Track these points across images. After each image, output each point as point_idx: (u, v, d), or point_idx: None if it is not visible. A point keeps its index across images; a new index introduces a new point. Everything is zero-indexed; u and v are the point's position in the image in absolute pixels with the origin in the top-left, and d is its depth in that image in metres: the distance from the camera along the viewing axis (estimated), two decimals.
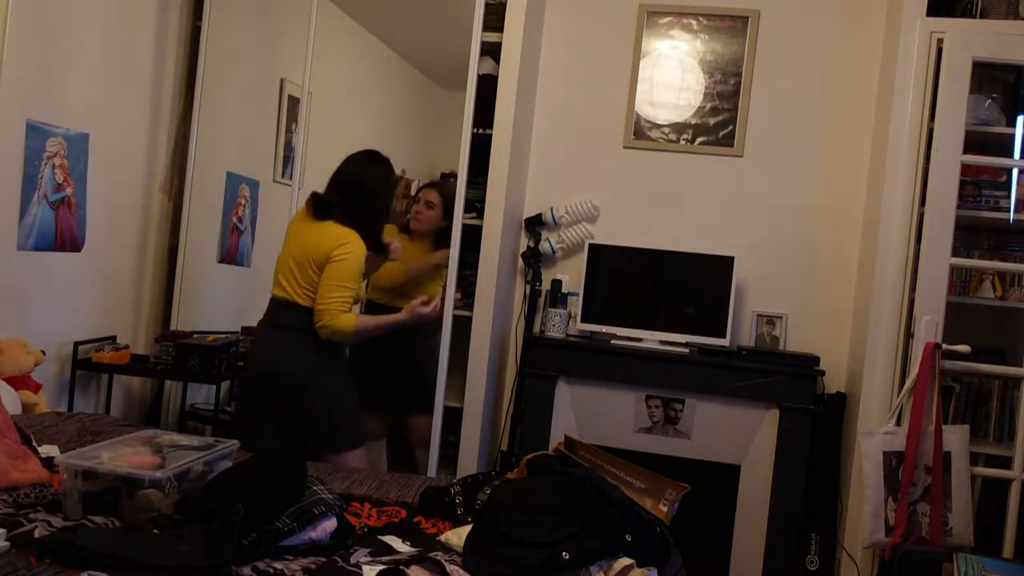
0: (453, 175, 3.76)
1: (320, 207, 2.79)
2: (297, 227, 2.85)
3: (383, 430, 3.48)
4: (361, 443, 2.86)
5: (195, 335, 3.48)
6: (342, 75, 3.88)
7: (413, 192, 4.31)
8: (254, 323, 3.78)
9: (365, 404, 2.95)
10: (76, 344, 3.18)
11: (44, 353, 2.87)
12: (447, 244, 3.34)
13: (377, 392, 3.19)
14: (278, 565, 1.65)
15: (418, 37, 4.18)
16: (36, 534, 1.67)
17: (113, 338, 3.40)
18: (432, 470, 3.35)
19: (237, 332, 3.69)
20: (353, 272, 2.72)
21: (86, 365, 3.21)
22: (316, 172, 3.67)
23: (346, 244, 2.71)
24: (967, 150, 2.93)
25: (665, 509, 2.06)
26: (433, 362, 3.33)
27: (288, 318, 2.75)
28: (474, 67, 3.35)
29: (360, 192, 2.81)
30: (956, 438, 2.87)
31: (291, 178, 3.66)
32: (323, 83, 3.62)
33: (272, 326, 2.81)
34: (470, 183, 3.40)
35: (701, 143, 3.61)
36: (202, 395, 3.77)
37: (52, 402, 3.11)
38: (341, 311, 2.68)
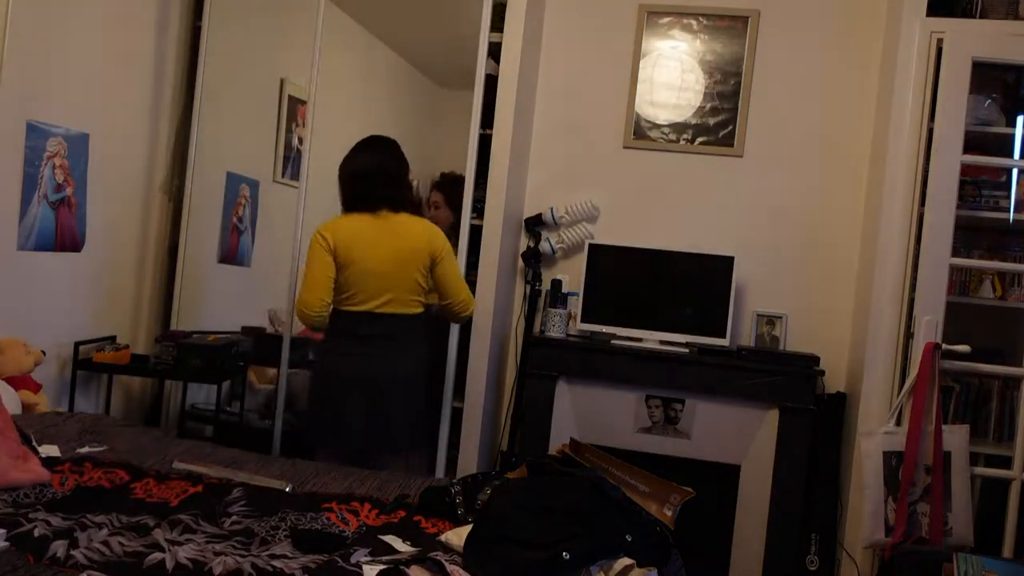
0: (453, 175, 3.76)
1: (392, 203, 2.71)
2: (367, 234, 2.68)
3: None
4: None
5: (195, 335, 3.49)
6: (342, 75, 3.88)
7: (413, 192, 4.31)
8: (254, 323, 3.80)
9: None
10: (77, 344, 3.18)
11: (44, 353, 2.87)
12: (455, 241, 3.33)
13: None
14: (278, 564, 1.65)
15: (418, 37, 4.19)
16: (36, 534, 1.68)
17: (113, 338, 3.40)
18: (440, 470, 3.36)
19: (237, 332, 3.69)
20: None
21: (87, 365, 3.21)
22: (316, 172, 3.67)
23: (439, 235, 2.74)
24: (967, 150, 2.93)
25: (669, 513, 2.06)
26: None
27: (398, 329, 2.72)
28: (482, 67, 3.36)
29: (402, 179, 2.79)
30: (956, 438, 2.87)
31: (292, 178, 3.66)
32: (324, 83, 3.62)
33: (379, 338, 2.71)
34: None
35: (701, 143, 3.61)
36: (201, 395, 3.77)
37: (53, 402, 3.11)
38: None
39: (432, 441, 2.84)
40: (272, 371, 3.69)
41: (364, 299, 2.68)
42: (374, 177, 2.73)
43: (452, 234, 3.40)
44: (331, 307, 2.71)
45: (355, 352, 2.70)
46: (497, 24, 3.43)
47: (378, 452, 2.73)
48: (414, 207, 2.79)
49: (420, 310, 2.76)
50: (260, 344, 3.57)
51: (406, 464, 2.75)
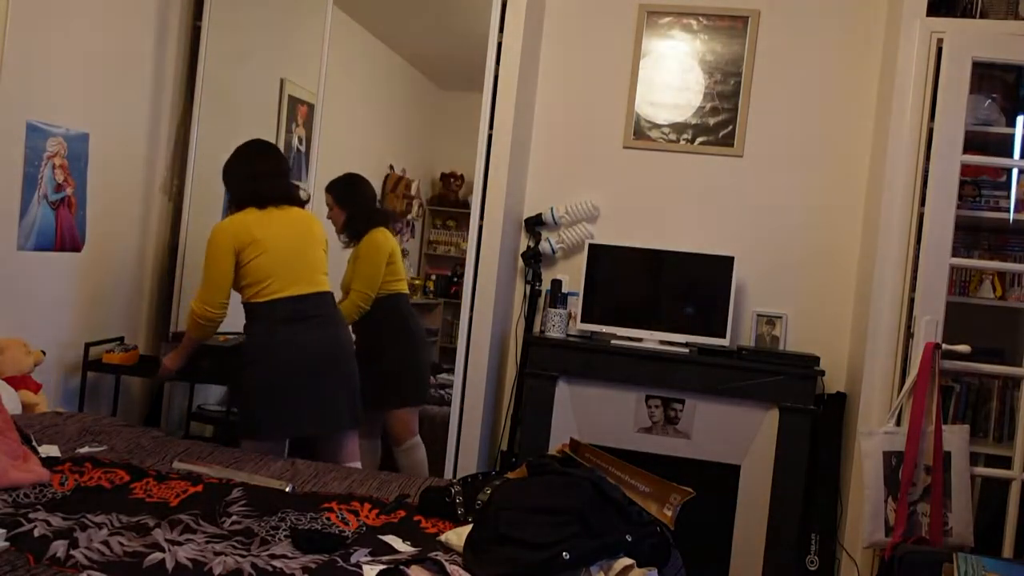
0: (452, 175, 3.77)
1: (286, 196, 2.84)
2: (272, 224, 2.76)
3: (376, 430, 3.49)
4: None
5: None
6: (342, 75, 3.88)
7: (414, 191, 4.32)
8: None
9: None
10: (87, 345, 3.19)
11: (44, 353, 2.87)
12: (359, 234, 3.37)
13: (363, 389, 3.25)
14: (278, 564, 1.65)
15: (419, 39, 4.19)
16: (36, 534, 1.68)
17: (121, 339, 3.40)
18: (449, 471, 3.36)
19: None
20: None
21: (95, 366, 3.21)
22: (315, 172, 3.68)
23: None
24: (967, 150, 2.93)
25: (670, 513, 2.05)
26: (409, 354, 3.42)
27: (323, 306, 2.81)
28: (491, 68, 3.37)
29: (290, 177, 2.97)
30: (956, 438, 2.87)
31: (298, 179, 3.67)
32: (326, 84, 3.63)
33: (312, 317, 2.78)
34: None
35: (701, 143, 3.61)
36: (201, 396, 3.77)
37: (58, 404, 3.11)
38: None
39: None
40: None
41: (284, 285, 2.72)
42: (281, 175, 2.87)
43: (347, 234, 3.42)
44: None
45: (291, 335, 2.72)
46: (500, 25, 3.44)
47: (341, 427, 2.83)
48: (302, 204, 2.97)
49: (329, 288, 2.87)
50: None
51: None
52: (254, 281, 2.70)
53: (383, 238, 3.36)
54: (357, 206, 3.42)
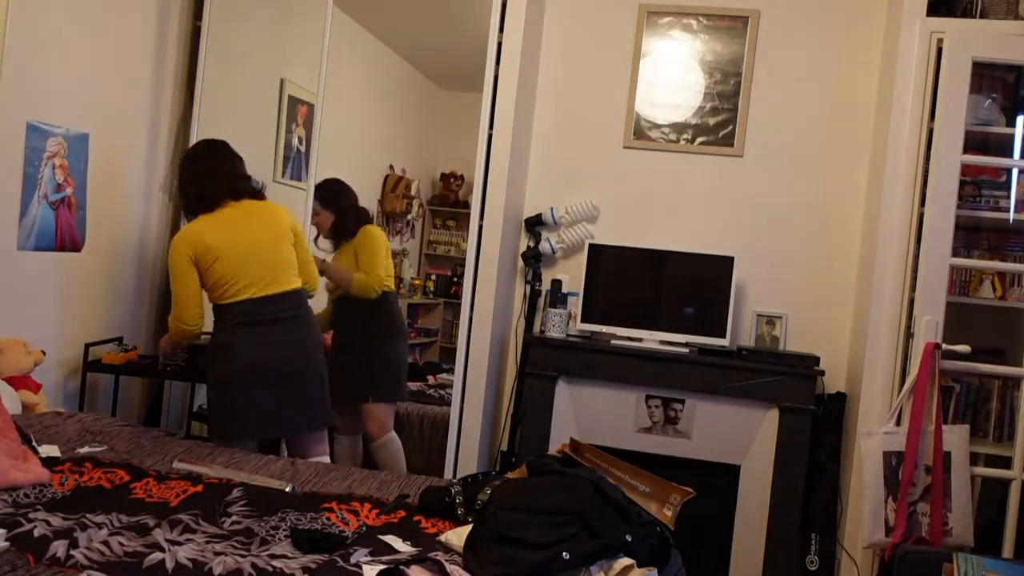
0: (452, 175, 3.77)
1: (247, 191, 2.82)
2: (231, 225, 2.74)
3: (355, 426, 3.52)
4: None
5: (203, 336, 3.49)
6: (342, 75, 3.88)
7: (413, 191, 4.32)
8: None
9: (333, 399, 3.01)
10: (87, 345, 3.19)
11: (44, 353, 2.87)
12: (349, 232, 3.45)
13: (342, 385, 3.30)
14: (278, 564, 1.65)
15: (419, 39, 4.19)
16: (36, 534, 1.68)
17: (120, 339, 3.40)
18: (449, 471, 3.36)
19: None
20: None
21: (95, 367, 3.21)
22: (315, 172, 3.68)
23: (291, 216, 2.89)
24: (967, 150, 2.93)
25: (670, 513, 2.06)
26: (389, 350, 3.47)
27: (288, 306, 2.79)
28: (491, 68, 3.37)
29: (244, 170, 2.91)
30: (956, 438, 2.87)
31: (293, 178, 3.67)
32: (326, 84, 3.62)
33: (277, 319, 2.77)
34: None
35: (701, 143, 3.61)
36: (201, 396, 3.77)
37: (58, 404, 3.11)
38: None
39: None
40: None
41: (245, 286, 2.71)
42: (233, 173, 2.83)
43: (336, 235, 3.52)
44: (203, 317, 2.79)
45: (256, 336, 2.71)
46: (500, 25, 3.44)
47: (305, 428, 2.85)
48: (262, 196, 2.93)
49: (300, 285, 2.84)
50: None
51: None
52: (215, 285, 2.72)
53: (379, 231, 3.47)
54: (343, 207, 3.51)
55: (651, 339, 3.39)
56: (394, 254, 3.80)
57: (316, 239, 3.56)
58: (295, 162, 3.89)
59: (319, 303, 3.43)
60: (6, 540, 1.62)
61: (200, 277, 2.71)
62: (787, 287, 3.54)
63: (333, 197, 3.51)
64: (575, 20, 3.71)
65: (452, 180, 4.64)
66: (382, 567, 1.63)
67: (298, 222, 2.94)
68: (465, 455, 3.41)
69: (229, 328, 2.73)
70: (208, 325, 2.86)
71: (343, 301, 3.45)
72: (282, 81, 3.85)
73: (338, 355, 3.40)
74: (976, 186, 3.12)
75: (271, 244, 2.76)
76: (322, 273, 3.23)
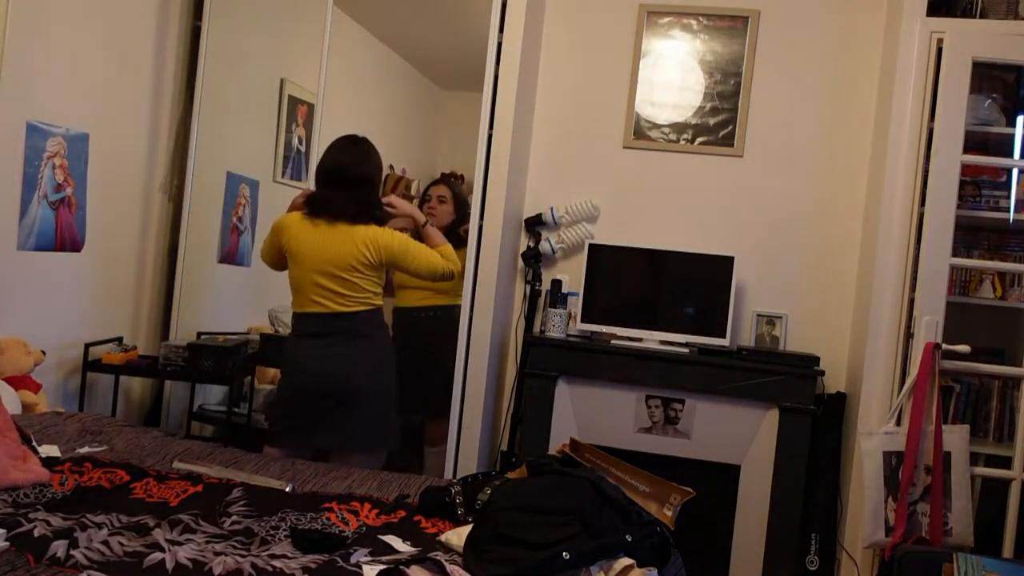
0: (453, 175, 3.77)
1: (345, 214, 2.69)
2: (309, 236, 2.71)
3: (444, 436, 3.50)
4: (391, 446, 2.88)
5: (203, 336, 3.49)
6: (342, 75, 3.88)
7: (414, 192, 4.32)
8: (256, 323, 3.81)
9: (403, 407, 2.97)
10: (87, 345, 3.19)
11: (44, 353, 2.87)
12: (453, 238, 3.30)
13: (412, 395, 3.24)
14: (278, 564, 1.65)
15: (419, 39, 4.19)
16: (36, 534, 1.68)
17: (120, 339, 3.40)
18: (449, 471, 3.36)
19: (246, 332, 3.70)
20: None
21: (95, 367, 3.21)
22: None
23: (382, 236, 2.71)
24: (967, 150, 2.93)
25: (670, 513, 2.06)
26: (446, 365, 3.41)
27: (341, 327, 2.72)
28: (491, 68, 3.36)
29: (367, 185, 2.77)
30: (956, 438, 2.87)
31: (293, 178, 3.67)
32: (326, 84, 3.62)
33: (320, 337, 2.72)
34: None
35: (701, 143, 3.61)
36: (201, 396, 3.77)
37: (58, 404, 3.11)
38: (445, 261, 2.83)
39: (393, 442, 2.83)
40: (272, 371, 3.69)
41: (307, 301, 2.72)
42: (339, 185, 2.73)
43: (447, 233, 3.41)
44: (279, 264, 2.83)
45: (309, 353, 2.73)
46: (500, 25, 3.44)
47: (337, 452, 2.75)
48: (377, 218, 2.76)
49: (368, 308, 2.74)
50: (264, 345, 3.57)
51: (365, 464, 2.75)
52: (291, 288, 2.78)
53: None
54: (464, 213, 3.45)
55: (651, 339, 3.39)
56: None
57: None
58: (295, 162, 3.89)
59: None
60: (6, 540, 1.62)
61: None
62: (787, 287, 3.54)
63: (463, 197, 3.44)
64: (575, 20, 3.71)
65: (452, 180, 4.64)
66: (382, 567, 1.63)
67: (385, 235, 2.71)
68: (465, 455, 3.41)
69: (294, 337, 2.80)
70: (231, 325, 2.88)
71: (410, 313, 3.40)
72: (282, 81, 3.85)
73: (418, 371, 3.32)
74: (976, 186, 3.12)
75: (339, 269, 2.68)
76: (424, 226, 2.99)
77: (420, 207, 3.52)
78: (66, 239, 3.09)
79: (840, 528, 3.24)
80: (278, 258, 2.82)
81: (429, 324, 3.48)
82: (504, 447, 3.64)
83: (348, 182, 2.73)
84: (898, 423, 2.93)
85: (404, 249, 2.74)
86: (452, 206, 3.49)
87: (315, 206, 2.73)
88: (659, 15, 3.63)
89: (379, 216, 2.76)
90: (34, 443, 2.24)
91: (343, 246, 2.67)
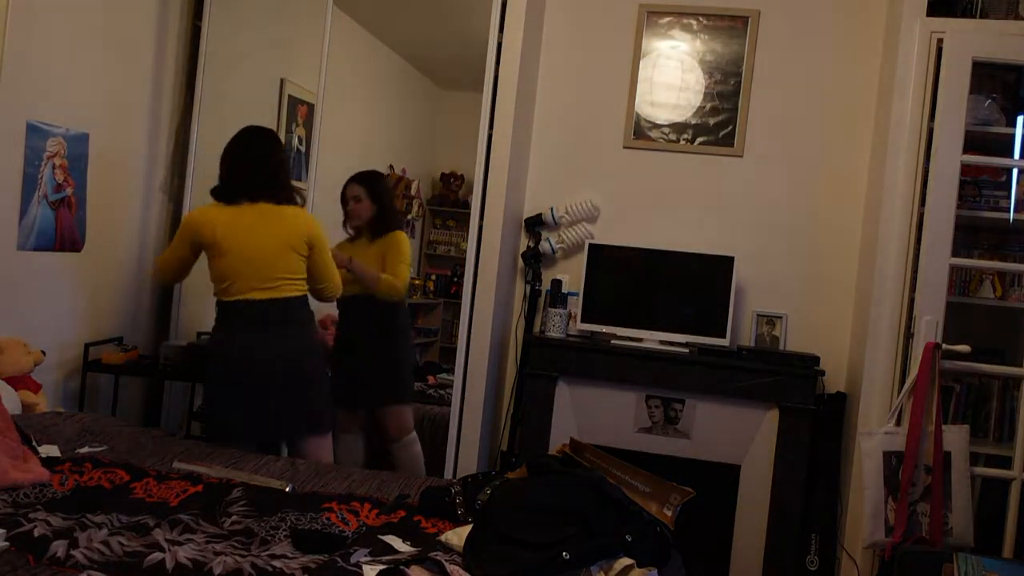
0: (452, 175, 3.77)
1: (265, 192, 2.74)
2: (233, 223, 2.71)
3: (357, 425, 3.49)
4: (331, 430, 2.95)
5: (203, 336, 3.48)
6: (342, 75, 3.88)
7: (414, 191, 4.32)
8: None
9: (342, 400, 3.01)
10: (87, 345, 3.19)
11: (44, 353, 2.87)
12: (384, 230, 3.38)
13: (355, 387, 3.30)
14: (278, 564, 1.65)
15: (419, 39, 4.19)
16: (36, 534, 1.68)
17: (120, 339, 3.40)
18: (449, 471, 3.36)
19: None
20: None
21: (95, 367, 3.21)
22: (315, 172, 3.67)
23: (314, 222, 2.81)
24: (967, 150, 2.93)
25: (669, 513, 2.06)
26: (404, 351, 3.46)
27: (282, 313, 2.75)
28: (491, 67, 3.36)
29: (282, 168, 2.84)
30: (956, 438, 2.87)
31: (298, 179, 3.67)
32: (326, 84, 3.62)
33: (256, 324, 2.73)
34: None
35: (701, 143, 3.61)
36: (201, 396, 3.76)
37: (58, 404, 3.11)
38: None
39: (328, 429, 2.92)
40: None
41: (244, 287, 2.70)
42: (266, 174, 2.77)
43: (370, 228, 3.42)
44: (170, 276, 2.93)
45: (247, 341, 2.71)
46: (500, 24, 3.44)
47: (298, 433, 2.80)
48: (292, 198, 2.84)
49: (303, 292, 2.81)
50: None
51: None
52: (217, 279, 2.75)
53: (407, 240, 3.41)
54: (386, 205, 3.44)
55: (651, 339, 3.39)
56: None
57: (344, 224, 3.47)
58: (295, 162, 3.89)
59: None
60: (6, 540, 1.62)
61: (209, 263, 2.75)
62: (787, 287, 3.54)
63: (381, 191, 3.43)
64: (575, 20, 3.71)
65: (452, 180, 4.64)
66: (382, 567, 1.63)
67: (319, 227, 2.83)
68: (465, 455, 3.41)
69: (225, 327, 2.75)
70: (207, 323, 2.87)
71: (352, 302, 3.36)
72: (282, 81, 3.85)
73: (347, 356, 3.36)
74: (976, 186, 3.12)
75: (277, 252, 2.72)
76: (346, 268, 3.17)
77: (408, 207, 3.56)
78: (66, 239, 3.09)
79: (840, 528, 3.24)
80: (182, 265, 2.81)
81: (371, 310, 3.43)
82: (504, 447, 3.64)
83: (258, 160, 2.77)
84: (898, 423, 2.93)
85: (324, 245, 2.84)
86: (368, 202, 3.44)
87: (229, 191, 2.74)
88: (659, 15, 3.63)
89: (292, 196, 2.83)
90: (34, 443, 2.24)
91: (274, 228, 2.71)
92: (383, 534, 1.87)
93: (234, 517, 1.93)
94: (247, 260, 2.69)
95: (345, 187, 3.47)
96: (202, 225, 2.72)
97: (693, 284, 3.45)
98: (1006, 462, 2.96)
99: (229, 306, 2.73)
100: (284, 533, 1.86)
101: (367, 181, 3.42)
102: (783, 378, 3.22)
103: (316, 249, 2.80)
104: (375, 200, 3.40)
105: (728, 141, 3.59)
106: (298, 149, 3.91)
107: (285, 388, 2.72)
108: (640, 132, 3.66)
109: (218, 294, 2.75)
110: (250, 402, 2.71)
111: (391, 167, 4.42)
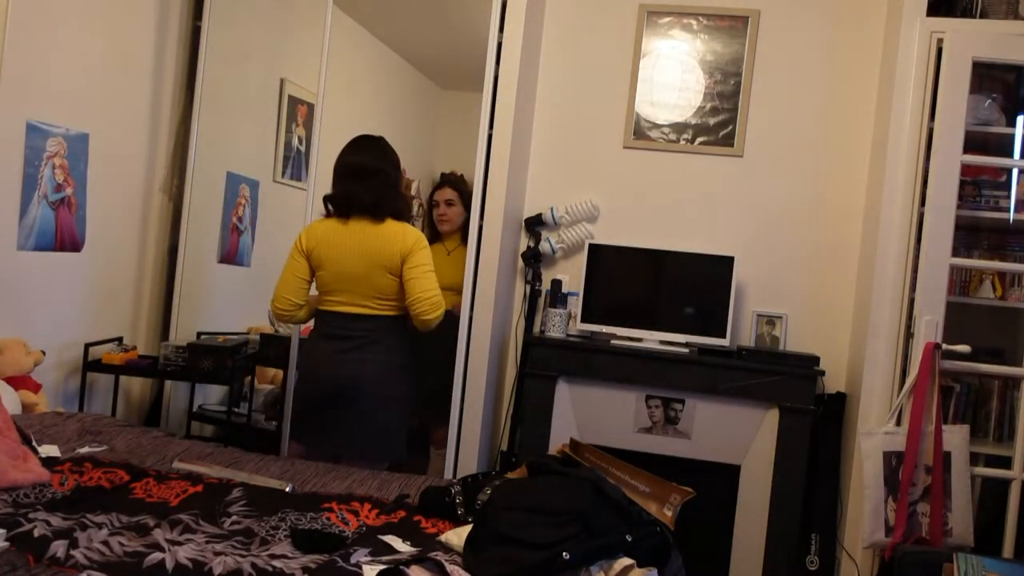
0: (453, 175, 3.76)
1: (366, 209, 2.67)
2: (338, 235, 2.68)
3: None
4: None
5: (203, 335, 3.48)
6: (342, 75, 3.88)
7: (413, 192, 4.32)
8: (256, 323, 3.81)
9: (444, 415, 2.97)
10: (87, 345, 3.19)
11: (44, 353, 2.87)
12: (465, 240, 3.39)
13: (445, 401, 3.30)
14: (278, 564, 1.65)
15: (420, 39, 4.19)
16: (36, 534, 1.68)
17: (120, 339, 3.40)
18: (449, 471, 3.36)
19: (246, 332, 3.70)
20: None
21: (95, 367, 3.21)
22: (315, 172, 3.67)
23: (418, 237, 2.68)
24: (967, 150, 2.93)
25: (670, 513, 2.06)
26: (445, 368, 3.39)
27: (364, 331, 2.70)
28: (491, 67, 3.36)
29: (390, 182, 2.74)
30: (956, 438, 2.87)
31: (293, 178, 3.67)
32: (326, 84, 3.62)
33: (345, 339, 2.70)
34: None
35: (701, 143, 3.61)
36: (201, 396, 3.77)
37: (58, 404, 3.11)
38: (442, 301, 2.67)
39: (399, 453, 2.79)
40: (272, 371, 3.69)
41: (337, 299, 2.71)
42: (360, 185, 2.69)
43: (462, 235, 3.45)
44: (302, 307, 2.74)
45: (330, 352, 2.71)
46: (500, 24, 3.44)
47: (346, 457, 2.71)
48: (399, 213, 2.73)
49: (395, 313, 2.72)
50: (265, 345, 3.58)
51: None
52: (319, 287, 2.76)
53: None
54: (468, 214, 3.42)
55: (651, 339, 3.39)
56: None
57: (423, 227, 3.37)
58: (295, 162, 3.89)
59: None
60: (6, 540, 1.62)
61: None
62: (787, 287, 3.54)
63: (468, 191, 3.39)
64: (575, 20, 3.71)
65: (454, 179, 4.64)
66: (382, 567, 1.63)
67: (419, 243, 2.67)
68: (465, 455, 3.41)
69: (315, 334, 2.79)
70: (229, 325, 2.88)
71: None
72: (282, 81, 3.85)
73: (426, 376, 3.22)
74: (976, 186, 3.12)
75: (366, 272, 2.64)
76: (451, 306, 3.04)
77: (429, 212, 3.54)
78: (66, 239, 3.09)
79: (840, 528, 3.24)
80: (296, 281, 2.70)
81: (445, 325, 3.44)
82: (504, 447, 3.64)
83: (364, 174, 2.69)
84: (898, 423, 2.93)
85: (418, 261, 2.65)
86: (461, 206, 3.50)
87: (337, 203, 2.72)
88: (659, 15, 3.63)
89: (400, 209, 2.74)
90: (34, 443, 2.24)
91: (368, 246, 2.65)
92: (383, 534, 1.88)
93: (234, 517, 1.93)
94: (336, 276, 2.68)
95: (435, 191, 3.49)
96: (307, 234, 2.73)
97: (693, 284, 3.45)
98: (1006, 462, 2.96)
99: (320, 313, 2.76)
100: (284, 533, 1.86)
101: (459, 184, 3.43)
102: (783, 378, 3.22)
103: (407, 265, 2.64)
104: (465, 205, 3.42)
105: (728, 141, 3.59)
106: (298, 149, 3.91)
107: (342, 407, 2.68)
108: (640, 132, 3.66)
109: (318, 302, 2.78)
110: (312, 411, 2.73)
111: None
